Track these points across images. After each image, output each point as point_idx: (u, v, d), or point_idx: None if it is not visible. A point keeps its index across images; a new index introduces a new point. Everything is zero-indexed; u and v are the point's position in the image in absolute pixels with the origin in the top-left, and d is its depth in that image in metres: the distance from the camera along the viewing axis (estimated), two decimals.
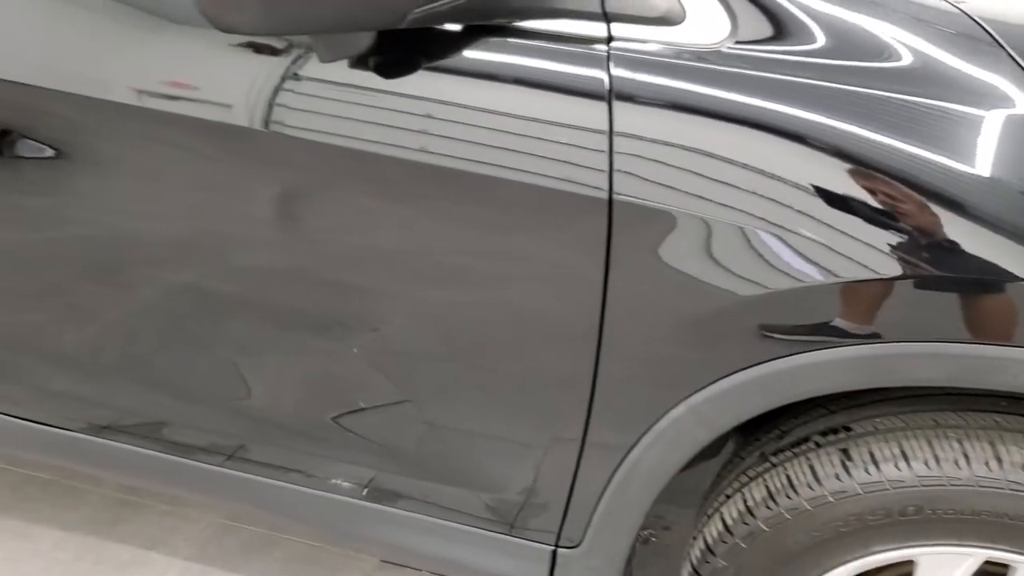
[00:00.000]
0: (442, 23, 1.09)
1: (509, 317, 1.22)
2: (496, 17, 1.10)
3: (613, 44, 1.08)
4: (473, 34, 1.11)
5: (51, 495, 2.08)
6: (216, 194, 1.28)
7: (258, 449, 1.52)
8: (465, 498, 1.42)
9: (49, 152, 1.32)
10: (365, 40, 1.07)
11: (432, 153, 1.14)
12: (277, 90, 1.17)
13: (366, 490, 1.48)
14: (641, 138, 1.07)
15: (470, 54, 1.12)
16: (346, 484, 1.48)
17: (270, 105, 1.17)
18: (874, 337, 1.08)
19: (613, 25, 1.09)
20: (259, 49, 1.17)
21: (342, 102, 1.17)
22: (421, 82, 1.13)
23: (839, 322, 1.09)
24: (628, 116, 1.07)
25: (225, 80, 1.20)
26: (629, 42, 1.08)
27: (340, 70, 1.14)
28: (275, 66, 1.17)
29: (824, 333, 1.10)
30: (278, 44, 1.16)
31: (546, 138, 1.10)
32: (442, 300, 1.25)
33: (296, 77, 1.17)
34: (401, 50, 1.11)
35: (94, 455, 1.62)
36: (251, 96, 1.18)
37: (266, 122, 1.18)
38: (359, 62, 1.11)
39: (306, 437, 1.46)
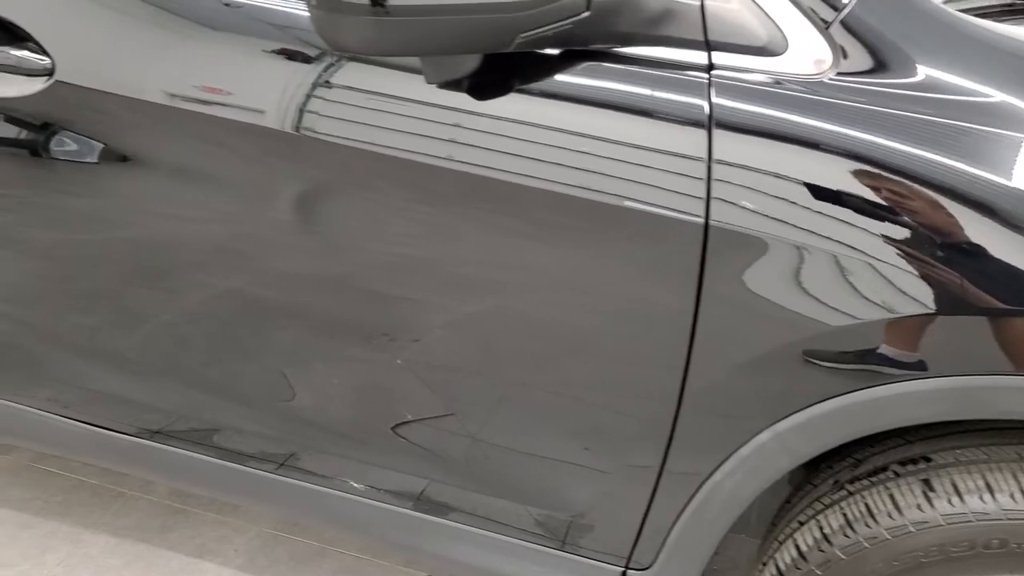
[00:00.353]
0: (547, 47, 1.10)
1: (595, 342, 1.23)
2: (599, 43, 1.11)
3: (714, 72, 1.09)
4: (574, 59, 1.13)
5: (102, 501, 2.09)
6: (264, 201, 1.30)
7: (309, 457, 1.54)
8: (533, 516, 1.43)
9: (98, 154, 1.34)
10: (471, 63, 1.09)
11: (528, 176, 1.15)
12: (353, 105, 1.20)
13: (428, 502, 1.49)
14: (740, 166, 1.08)
15: (570, 78, 1.13)
16: (403, 495, 1.49)
17: (371, 125, 1.19)
18: (964, 369, 1.09)
19: (714, 53, 1.10)
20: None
21: (434, 123, 1.18)
22: (518, 105, 1.14)
23: (928, 353, 1.09)
24: (728, 144, 1.08)
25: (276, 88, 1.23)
26: (730, 71, 1.09)
27: (438, 92, 1.15)
28: (366, 79, 1.20)
29: (912, 365, 1.11)
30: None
31: (644, 164, 1.11)
32: (525, 323, 1.26)
33: (390, 96, 1.19)
34: (501, 73, 1.13)
35: (146, 459, 1.64)
36: (302, 103, 1.21)
37: (369, 142, 1.20)
38: (456, 84, 1.13)
39: (377, 448, 1.47)
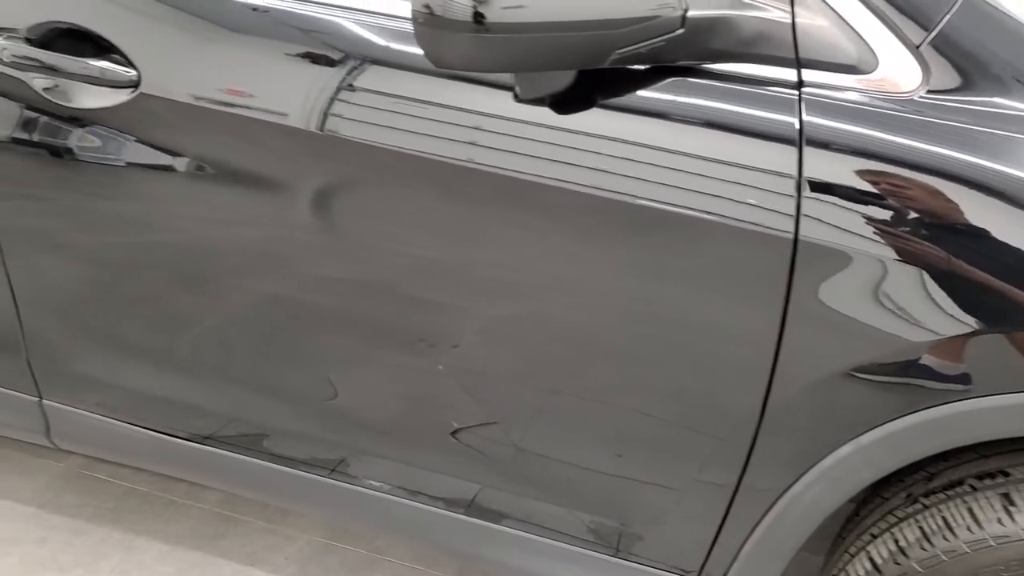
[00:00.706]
0: (640, 63, 1.11)
1: (675, 357, 1.24)
2: (689, 59, 1.12)
3: (804, 89, 1.11)
4: (661, 74, 1.14)
5: (153, 508, 2.10)
6: (330, 209, 1.33)
7: (360, 461, 1.55)
8: (597, 525, 1.44)
9: (178, 164, 1.37)
10: (566, 79, 1.10)
11: (614, 192, 1.17)
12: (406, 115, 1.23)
13: (481, 508, 1.50)
14: (831, 183, 1.09)
15: (657, 94, 1.15)
16: (463, 501, 1.51)
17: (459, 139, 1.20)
18: None
19: (804, 71, 1.11)
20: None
21: (522, 138, 1.20)
22: (604, 120, 1.16)
23: (1009, 368, 1.10)
24: (818, 161, 1.09)
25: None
26: (821, 88, 1.11)
27: (527, 108, 1.16)
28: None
29: (994, 379, 1.12)
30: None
31: (732, 180, 1.12)
32: (603, 335, 1.27)
33: (471, 111, 1.21)
34: (590, 88, 1.14)
35: (199, 462, 1.66)
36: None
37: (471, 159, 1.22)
38: (549, 99, 1.14)
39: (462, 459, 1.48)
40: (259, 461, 1.60)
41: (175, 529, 2.06)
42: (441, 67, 1.07)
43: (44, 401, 1.67)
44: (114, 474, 2.17)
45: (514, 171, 1.20)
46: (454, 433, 1.44)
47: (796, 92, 1.11)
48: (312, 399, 1.51)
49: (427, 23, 1.03)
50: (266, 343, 1.49)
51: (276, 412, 1.56)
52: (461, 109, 1.21)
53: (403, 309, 1.37)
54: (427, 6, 1.03)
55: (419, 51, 1.09)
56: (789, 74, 1.12)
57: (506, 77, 1.15)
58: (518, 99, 1.15)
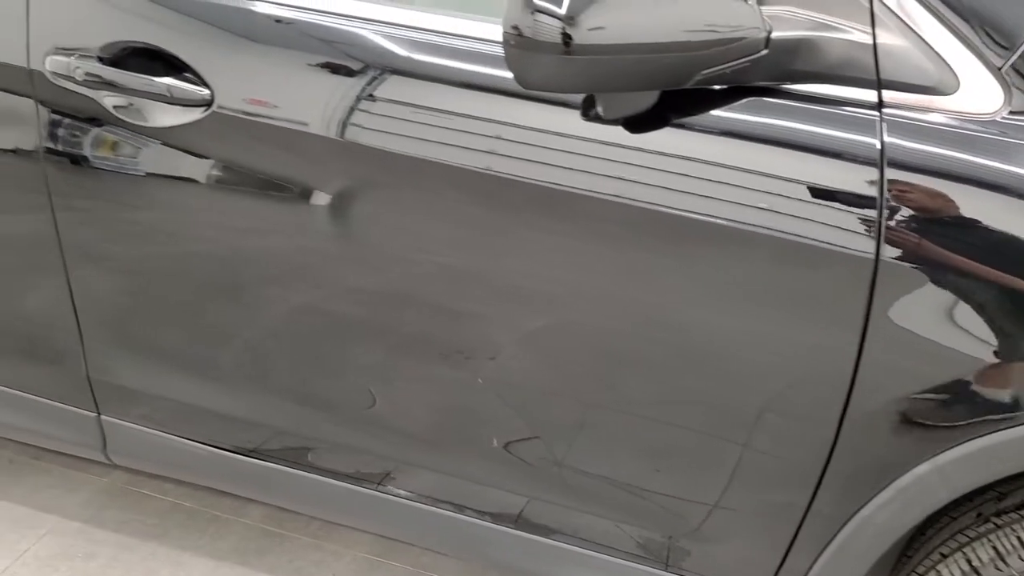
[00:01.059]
0: (722, 83, 1.12)
1: (750, 378, 1.24)
2: (769, 80, 1.13)
3: (885, 110, 1.11)
4: (739, 95, 1.14)
5: (198, 524, 2.10)
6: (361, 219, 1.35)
7: (405, 474, 1.56)
8: (656, 543, 1.44)
9: (254, 182, 1.38)
10: (649, 99, 1.11)
11: (685, 210, 1.17)
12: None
13: (537, 523, 1.50)
14: (914, 206, 1.09)
15: (736, 115, 1.15)
16: (510, 515, 1.51)
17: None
18: None
19: (885, 92, 1.11)
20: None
21: (601, 159, 1.20)
22: (682, 140, 1.16)
23: None
24: (900, 182, 1.10)
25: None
26: (901, 109, 1.11)
27: (608, 128, 1.17)
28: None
29: None
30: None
31: (813, 200, 1.12)
32: (673, 356, 1.28)
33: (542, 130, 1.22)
34: (670, 108, 1.15)
35: (245, 475, 1.67)
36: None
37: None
38: (634, 119, 1.15)
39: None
40: (305, 473, 1.61)
41: (221, 545, 2.06)
42: (528, 88, 1.08)
43: (102, 417, 1.67)
44: (157, 489, 2.18)
45: (573, 187, 1.21)
46: (496, 445, 1.44)
47: (877, 113, 1.11)
48: (355, 410, 1.52)
49: (516, 44, 1.04)
50: (317, 354, 1.49)
51: (325, 424, 1.56)
52: (524, 126, 1.23)
53: (440, 320, 1.38)
54: (516, 27, 1.04)
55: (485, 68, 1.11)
56: (869, 95, 1.12)
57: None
58: (601, 120, 1.15)
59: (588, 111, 1.18)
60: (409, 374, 1.45)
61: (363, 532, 2.04)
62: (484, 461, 1.48)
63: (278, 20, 1.33)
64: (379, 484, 1.58)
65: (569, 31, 1.02)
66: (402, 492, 1.57)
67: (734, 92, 1.15)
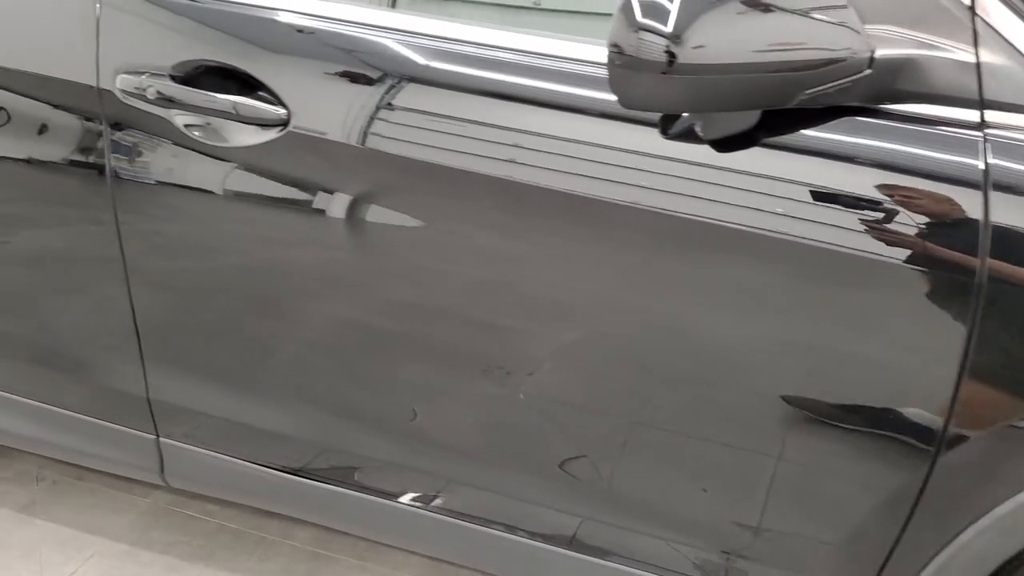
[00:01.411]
0: (823, 104, 1.10)
1: (841, 406, 1.22)
2: (869, 100, 1.11)
3: (988, 131, 1.09)
4: (838, 114, 1.12)
5: (244, 545, 2.08)
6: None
7: (454, 494, 1.54)
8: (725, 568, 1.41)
9: (331, 204, 1.36)
10: (751, 119, 1.09)
11: (783, 233, 1.15)
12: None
13: (591, 545, 1.48)
14: (1019, 228, 1.07)
15: (835, 135, 1.13)
16: (563, 537, 1.48)
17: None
18: None
19: (988, 112, 1.09)
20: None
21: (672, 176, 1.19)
22: (779, 161, 1.14)
23: None
24: (1006, 205, 1.07)
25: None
26: (1006, 129, 1.09)
27: (692, 147, 1.16)
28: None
29: None
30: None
31: (913, 224, 1.10)
32: (762, 380, 1.25)
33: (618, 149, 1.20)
34: (770, 128, 1.13)
35: (291, 495, 1.65)
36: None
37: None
38: (734, 139, 1.13)
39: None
40: (353, 492, 1.59)
41: (268, 567, 2.03)
42: (629, 107, 1.06)
43: (161, 439, 1.65)
44: (201, 510, 2.15)
45: (659, 208, 1.20)
46: (545, 463, 1.42)
47: (980, 133, 1.09)
48: (399, 427, 1.50)
49: (619, 64, 1.02)
50: (366, 370, 1.48)
51: (375, 441, 1.55)
52: (589, 142, 1.22)
53: (482, 335, 1.37)
54: (617, 46, 1.02)
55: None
56: (972, 115, 1.10)
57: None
58: (701, 140, 1.13)
59: (667, 128, 1.16)
60: (453, 389, 1.44)
61: (411, 554, 2.01)
62: (532, 478, 1.46)
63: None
64: (428, 503, 1.55)
65: (674, 49, 1.00)
66: (451, 511, 1.55)
67: (831, 112, 1.13)
